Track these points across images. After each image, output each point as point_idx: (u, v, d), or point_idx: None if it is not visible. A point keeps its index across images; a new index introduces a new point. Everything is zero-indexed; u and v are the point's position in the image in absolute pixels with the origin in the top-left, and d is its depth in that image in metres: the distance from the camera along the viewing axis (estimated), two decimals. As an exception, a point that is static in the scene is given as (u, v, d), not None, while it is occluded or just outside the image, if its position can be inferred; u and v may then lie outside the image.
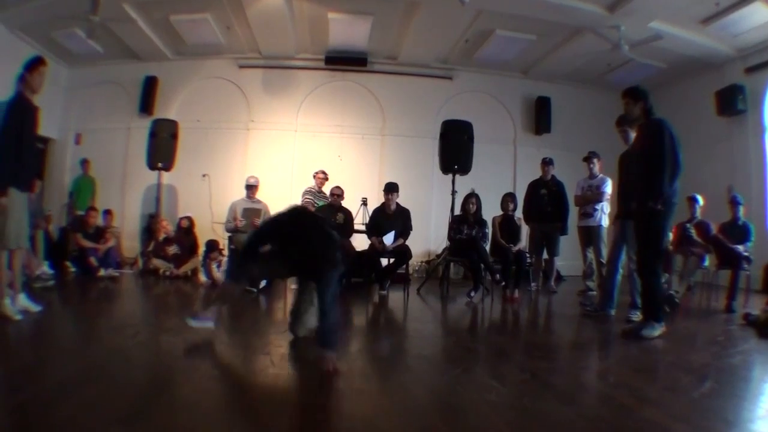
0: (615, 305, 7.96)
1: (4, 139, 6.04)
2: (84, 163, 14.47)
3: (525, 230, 11.14)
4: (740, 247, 9.58)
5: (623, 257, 7.92)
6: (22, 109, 6.26)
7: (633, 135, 7.89)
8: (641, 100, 6.74)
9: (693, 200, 10.25)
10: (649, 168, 6.43)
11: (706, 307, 9.71)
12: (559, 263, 11.90)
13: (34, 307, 6.43)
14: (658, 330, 6.32)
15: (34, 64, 6.49)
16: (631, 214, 7.61)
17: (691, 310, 9.29)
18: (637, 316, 7.50)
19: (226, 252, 11.14)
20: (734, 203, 10.10)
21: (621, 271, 7.99)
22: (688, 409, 3.78)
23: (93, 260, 11.24)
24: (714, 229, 10.10)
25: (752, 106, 13.15)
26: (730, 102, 13.29)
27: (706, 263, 10.25)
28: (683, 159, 6.37)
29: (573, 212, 10.99)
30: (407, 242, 10.57)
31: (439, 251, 13.68)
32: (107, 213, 13.29)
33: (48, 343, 5.47)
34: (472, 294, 9.69)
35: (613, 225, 8.44)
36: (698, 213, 10.33)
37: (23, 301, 6.35)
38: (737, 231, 9.85)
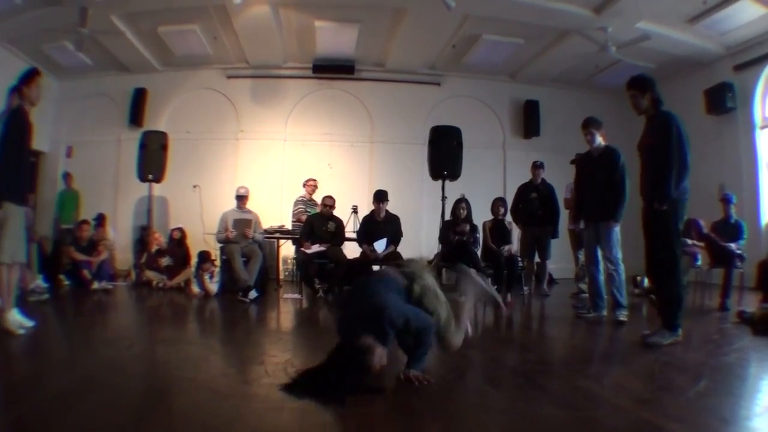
0: (605, 305, 7.95)
1: (3, 152, 6.05)
2: (66, 176, 14.38)
3: (516, 234, 11.15)
4: (733, 245, 9.59)
5: (600, 258, 7.97)
6: (21, 123, 6.28)
7: (599, 139, 8.03)
8: (649, 90, 6.40)
9: None
10: (655, 166, 6.22)
11: (700, 305, 9.70)
12: (551, 266, 11.89)
13: (27, 322, 6.38)
14: (669, 339, 6.03)
15: (31, 76, 6.52)
16: (597, 215, 7.70)
17: (684, 310, 9.29)
18: (623, 315, 7.49)
19: (218, 263, 11.11)
20: (726, 201, 10.12)
21: (602, 271, 8.01)
22: (684, 408, 3.77)
23: (86, 273, 11.21)
24: (705, 227, 10.10)
25: (741, 104, 13.23)
26: (719, 100, 13.37)
27: (699, 262, 10.27)
28: (691, 157, 6.11)
29: (563, 215, 11.00)
30: (398, 249, 10.58)
31: (431, 257, 13.68)
32: (101, 217, 13.34)
33: (44, 356, 5.49)
34: (463, 298, 9.69)
35: (585, 228, 8.39)
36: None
37: (16, 316, 6.31)
38: (729, 229, 9.86)
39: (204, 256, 11.01)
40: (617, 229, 7.77)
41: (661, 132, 6.20)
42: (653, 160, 6.28)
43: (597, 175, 7.86)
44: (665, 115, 6.28)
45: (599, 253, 7.96)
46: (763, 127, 13.00)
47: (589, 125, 8.05)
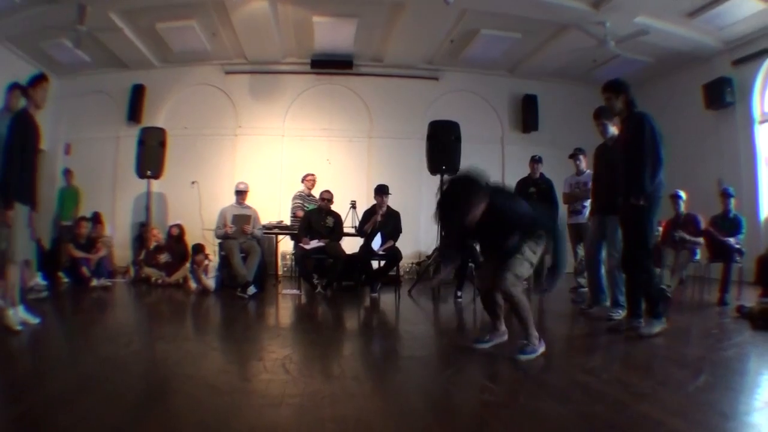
0: (607, 299, 7.90)
1: (8, 154, 6.14)
2: (67, 173, 14.34)
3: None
4: (732, 240, 9.60)
5: (603, 253, 7.93)
6: (25, 125, 6.36)
7: (612, 128, 7.91)
8: (623, 93, 6.58)
9: (676, 197, 10.24)
10: (631, 163, 6.38)
11: (699, 300, 9.71)
12: (550, 261, 11.87)
13: (33, 319, 6.44)
14: (657, 327, 6.18)
15: (38, 80, 6.70)
16: (608, 209, 7.64)
17: (683, 304, 9.27)
18: (619, 314, 7.46)
19: (212, 257, 11.08)
20: (725, 196, 10.12)
21: (603, 266, 7.97)
22: (683, 403, 3.77)
23: (85, 270, 11.24)
24: (704, 222, 10.11)
25: (740, 99, 13.22)
26: (718, 95, 13.35)
27: (698, 257, 10.27)
28: (666, 153, 6.27)
29: (562, 210, 10.98)
30: (397, 244, 10.61)
31: (429, 252, 13.67)
32: (96, 215, 13.33)
33: (44, 353, 5.51)
34: (459, 293, 9.73)
35: (590, 221, 8.39)
36: (682, 209, 10.34)
37: (22, 313, 6.35)
38: (728, 224, 9.87)
39: (197, 249, 10.98)
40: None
41: (635, 131, 6.38)
42: (628, 158, 6.45)
43: (609, 166, 7.76)
44: (638, 115, 6.47)
45: (603, 247, 7.92)
46: (762, 122, 13.01)
47: (601, 116, 7.92)
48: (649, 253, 6.45)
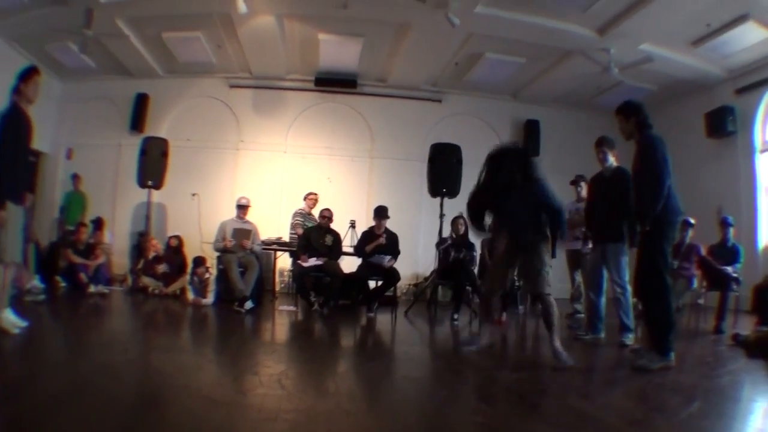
0: (604, 328, 7.88)
1: (1, 153, 6.04)
2: (75, 178, 14.36)
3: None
4: (729, 269, 9.60)
5: (603, 281, 7.95)
6: (17, 121, 6.26)
7: (611, 158, 7.95)
8: (633, 116, 6.42)
9: (686, 224, 10.14)
10: (638, 188, 6.28)
11: (695, 328, 9.70)
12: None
13: (20, 322, 6.34)
14: (658, 363, 5.85)
15: (29, 73, 6.48)
16: (606, 237, 7.70)
17: (679, 332, 9.24)
18: (630, 339, 7.46)
19: (213, 270, 11.07)
20: (724, 225, 10.13)
21: (604, 294, 7.95)
22: (676, 430, 3.78)
23: (83, 276, 11.24)
24: (703, 251, 10.11)
25: (742, 128, 13.28)
26: (720, 123, 13.42)
27: (695, 285, 10.26)
28: (671, 178, 6.02)
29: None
30: (395, 265, 10.59)
31: (427, 274, 13.66)
32: (99, 220, 13.36)
33: (38, 357, 5.46)
34: (456, 316, 9.73)
35: (592, 250, 8.35)
36: (688, 238, 10.31)
37: (9, 315, 6.30)
38: (726, 252, 9.88)
39: (198, 261, 10.99)
40: (626, 252, 7.71)
41: (640, 155, 6.27)
42: (636, 183, 6.37)
43: (607, 195, 7.80)
44: (646, 138, 6.30)
45: (604, 275, 7.93)
46: (762, 151, 13.05)
47: (603, 144, 7.97)
48: (666, 284, 6.11)
